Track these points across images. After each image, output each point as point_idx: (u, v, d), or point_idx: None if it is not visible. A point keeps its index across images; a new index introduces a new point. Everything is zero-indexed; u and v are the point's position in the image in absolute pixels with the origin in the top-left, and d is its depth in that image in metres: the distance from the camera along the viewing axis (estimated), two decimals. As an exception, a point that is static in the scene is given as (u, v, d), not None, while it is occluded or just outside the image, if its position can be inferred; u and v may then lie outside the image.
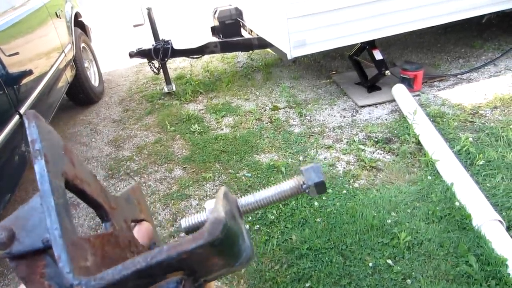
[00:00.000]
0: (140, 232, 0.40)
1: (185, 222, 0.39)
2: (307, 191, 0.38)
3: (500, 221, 1.95)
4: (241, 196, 0.39)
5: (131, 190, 0.42)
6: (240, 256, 0.33)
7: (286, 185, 0.39)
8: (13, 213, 0.29)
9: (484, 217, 1.98)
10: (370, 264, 1.93)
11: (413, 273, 1.86)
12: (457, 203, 2.16)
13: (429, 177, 2.43)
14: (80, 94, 4.14)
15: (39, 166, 0.27)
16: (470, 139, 2.68)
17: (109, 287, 0.25)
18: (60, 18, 3.60)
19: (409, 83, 3.42)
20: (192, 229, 0.40)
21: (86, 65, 4.30)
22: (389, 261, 1.93)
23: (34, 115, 0.29)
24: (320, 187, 0.38)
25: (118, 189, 2.82)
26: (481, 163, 2.46)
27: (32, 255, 0.28)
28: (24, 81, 2.54)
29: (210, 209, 0.35)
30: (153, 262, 0.25)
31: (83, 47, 4.33)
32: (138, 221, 0.42)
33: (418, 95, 3.42)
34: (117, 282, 0.25)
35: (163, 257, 0.26)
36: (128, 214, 0.39)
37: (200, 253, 0.27)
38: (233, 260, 0.33)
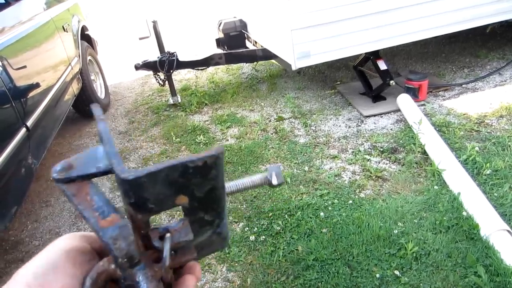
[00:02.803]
0: None
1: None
2: (270, 179, 0.49)
3: (508, 231, 1.93)
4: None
5: None
6: (222, 220, 0.41)
7: (257, 176, 0.49)
8: (74, 155, 0.40)
9: (492, 227, 1.96)
10: (377, 275, 1.91)
11: (421, 284, 1.84)
12: (464, 213, 2.13)
13: (435, 187, 2.41)
14: (87, 107, 4.17)
15: (102, 124, 0.39)
16: (477, 148, 2.66)
17: (147, 176, 0.32)
18: (67, 31, 3.66)
19: (414, 93, 3.42)
20: None
21: (92, 77, 4.35)
22: (397, 272, 1.91)
23: (97, 105, 0.42)
24: (279, 176, 0.49)
25: (123, 200, 2.82)
26: (488, 172, 2.44)
27: (82, 180, 0.37)
28: (31, 94, 2.57)
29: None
30: (180, 162, 0.33)
31: (89, 60, 4.38)
32: None
33: (423, 104, 3.41)
34: (153, 173, 0.32)
35: (187, 160, 0.33)
36: None
37: (206, 168, 0.34)
38: (219, 214, 0.40)
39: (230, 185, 0.48)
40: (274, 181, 0.49)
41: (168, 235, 0.38)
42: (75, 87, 3.60)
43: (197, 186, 0.35)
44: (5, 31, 2.46)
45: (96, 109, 0.41)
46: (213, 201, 0.38)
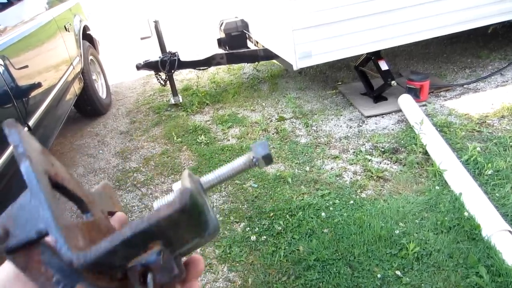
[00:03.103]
0: (117, 221, 0.44)
1: (157, 204, 0.41)
2: (257, 163, 0.42)
3: (510, 231, 1.93)
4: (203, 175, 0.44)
5: (102, 187, 0.45)
6: (208, 226, 0.37)
7: (240, 160, 0.43)
8: (4, 212, 0.32)
9: (493, 227, 1.96)
10: (379, 276, 1.91)
11: (422, 284, 1.83)
12: (466, 213, 2.13)
13: (437, 187, 2.41)
14: (88, 106, 4.19)
15: (25, 166, 0.29)
16: (478, 148, 2.66)
17: (103, 257, 0.28)
18: (68, 31, 3.66)
19: (416, 93, 3.42)
20: None
21: (94, 77, 4.36)
22: (398, 272, 1.90)
23: (13, 123, 0.31)
24: (267, 159, 0.42)
25: (125, 200, 2.83)
26: (489, 172, 2.44)
27: (27, 246, 0.30)
28: (33, 93, 2.57)
29: (178, 189, 0.36)
30: (137, 231, 0.29)
31: (91, 59, 4.39)
32: (113, 213, 0.45)
33: (425, 105, 3.41)
34: (109, 252, 0.28)
35: (144, 225, 0.29)
36: (104, 207, 0.43)
37: (175, 219, 0.30)
38: (202, 230, 0.37)
39: (208, 180, 0.43)
40: (262, 165, 0.43)
41: (149, 277, 0.33)
42: (76, 87, 3.60)
43: (168, 233, 0.32)
44: (7, 30, 2.46)
45: (11, 131, 0.31)
46: (192, 229, 0.35)
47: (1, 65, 2.18)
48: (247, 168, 0.44)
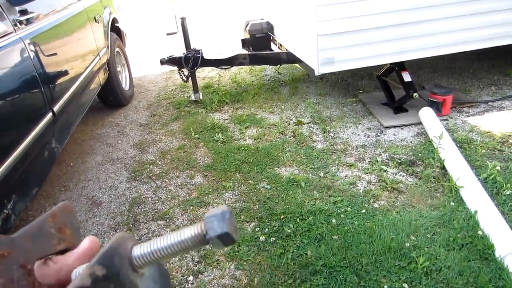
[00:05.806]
0: (47, 270, 0.36)
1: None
2: (210, 242, 0.31)
3: (524, 254, 1.89)
4: (138, 244, 0.34)
5: (51, 216, 0.37)
6: None
7: (186, 234, 0.32)
8: None
9: (508, 248, 1.92)
10: (385, 287, 1.89)
11: (429, 300, 1.81)
12: (480, 232, 2.10)
13: (452, 203, 2.37)
14: (111, 97, 4.27)
15: None
16: (498, 167, 2.61)
17: None
18: (98, 22, 3.75)
19: (437, 107, 3.37)
20: None
21: (118, 69, 4.44)
22: (405, 285, 1.89)
23: None
24: (226, 239, 0.31)
25: (139, 191, 2.88)
26: (508, 193, 2.39)
27: None
28: (60, 80, 2.64)
29: (84, 268, 0.31)
30: None
31: (117, 51, 4.48)
32: (57, 253, 0.37)
33: (446, 119, 3.36)
34: None
35: None
36: (33, 253, 0.35)
37: None
38: None
39: (141, 253, 0.32)
40: (218, 246, 0.31)
41: None
42: (101, 77, 3.69)
43: None
44: (39, 18, 2.54)
45: None
46: None
47: (32, 51, 2.25)
48: (197, 247, 0.32)
